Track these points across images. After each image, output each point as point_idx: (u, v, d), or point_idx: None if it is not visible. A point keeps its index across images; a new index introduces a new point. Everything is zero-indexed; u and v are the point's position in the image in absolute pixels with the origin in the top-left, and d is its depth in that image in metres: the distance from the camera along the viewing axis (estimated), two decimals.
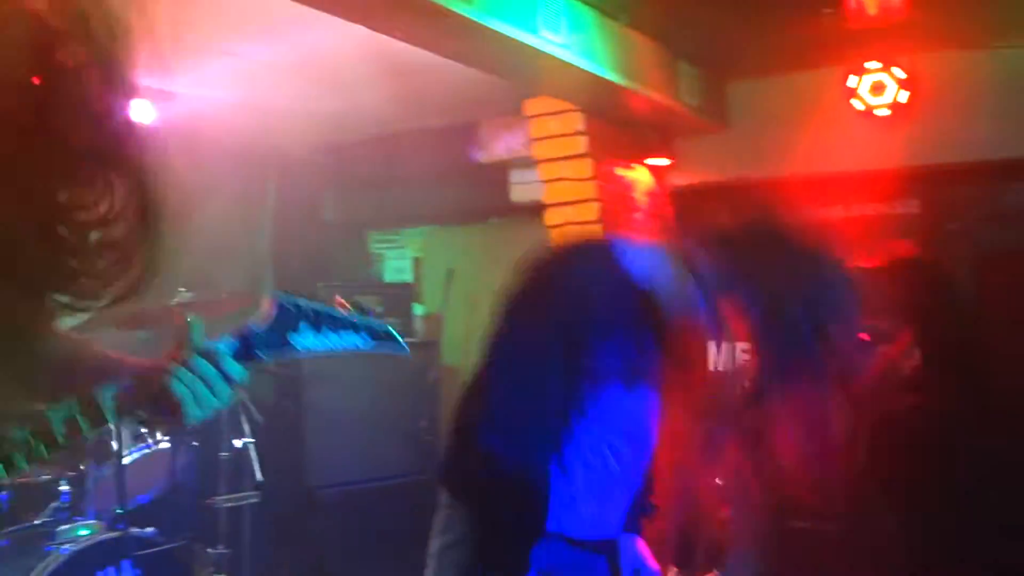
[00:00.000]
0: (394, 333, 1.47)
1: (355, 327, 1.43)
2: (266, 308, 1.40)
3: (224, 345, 1.40)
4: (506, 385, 1.94)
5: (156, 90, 4.71)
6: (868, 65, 4.41)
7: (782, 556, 3.15)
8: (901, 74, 4.36)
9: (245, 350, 1.39)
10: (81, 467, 3.89)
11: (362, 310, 1.44)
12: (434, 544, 2.14)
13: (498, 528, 1.95)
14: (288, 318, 1.39)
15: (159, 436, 4.06)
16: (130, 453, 3.98)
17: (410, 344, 5.51)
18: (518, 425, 1.91)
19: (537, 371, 1.91)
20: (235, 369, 1.40)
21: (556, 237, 4.77)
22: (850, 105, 4.48)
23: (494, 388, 1.96)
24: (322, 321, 1.40)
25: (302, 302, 1.40)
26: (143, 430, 3.99)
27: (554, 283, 1.95)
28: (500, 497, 1.93)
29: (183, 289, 4.20)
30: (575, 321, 1.88)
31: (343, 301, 1.44)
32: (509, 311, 2.00)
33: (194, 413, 1.37)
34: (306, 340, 1.39)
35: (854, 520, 3.24)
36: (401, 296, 5.79)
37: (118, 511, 3.68)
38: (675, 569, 5.12)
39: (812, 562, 3.38)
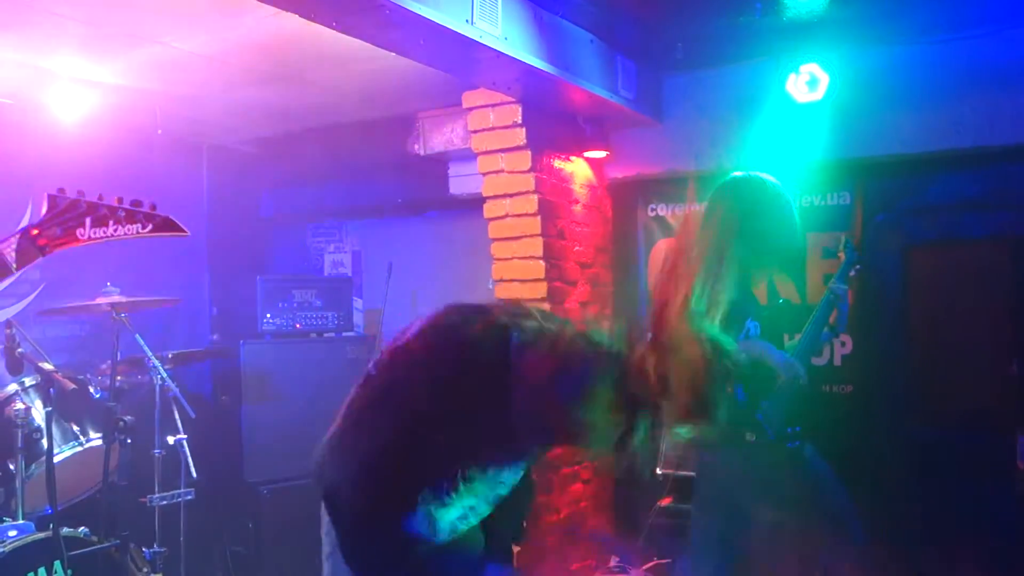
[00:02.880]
0: (172, 218, 1.58)
1: (134, 217, 1.60)
2: (42, 205, 1.49)
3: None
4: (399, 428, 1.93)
5: (78, 78, 4.62)
6: (800, 59, 4.49)
7: (739, 550, 3.19)
8: (832, 68, 4.45)
9: (28, 245, 1.47)
10: (10, 467, 3.81)
11: (140, 204, 1.59)
12: (326, 545, 2.12)
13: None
14: (70, 214, 1.53)
15: (91, 434, 3.98)
16: (61, 452, 3.90)
17: (350, 338, 5.53)
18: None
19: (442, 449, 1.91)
20: None
21: (495, 229, 4.78)
22: (782, 98, 4.56)
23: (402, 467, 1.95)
24: (103, 213, 1.55)
25: (81, 197, 1.55)
26: (74, 428, 3.91)
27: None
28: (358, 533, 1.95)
29: (110, 285, 4.13)
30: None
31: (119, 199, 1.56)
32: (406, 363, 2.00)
33: None
34: (91, 232, 1.53)
35: (812, 507, 3.29)
36: (341, 290, 5.75)
37: (48, 511, 3.60)
38: (615, 557, 5.20)
39: (771, 554, 3.44)
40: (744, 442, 3.13)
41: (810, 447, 3.37)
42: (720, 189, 3.22)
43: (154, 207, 1.53)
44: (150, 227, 1.52)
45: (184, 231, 1.54)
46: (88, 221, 1.47)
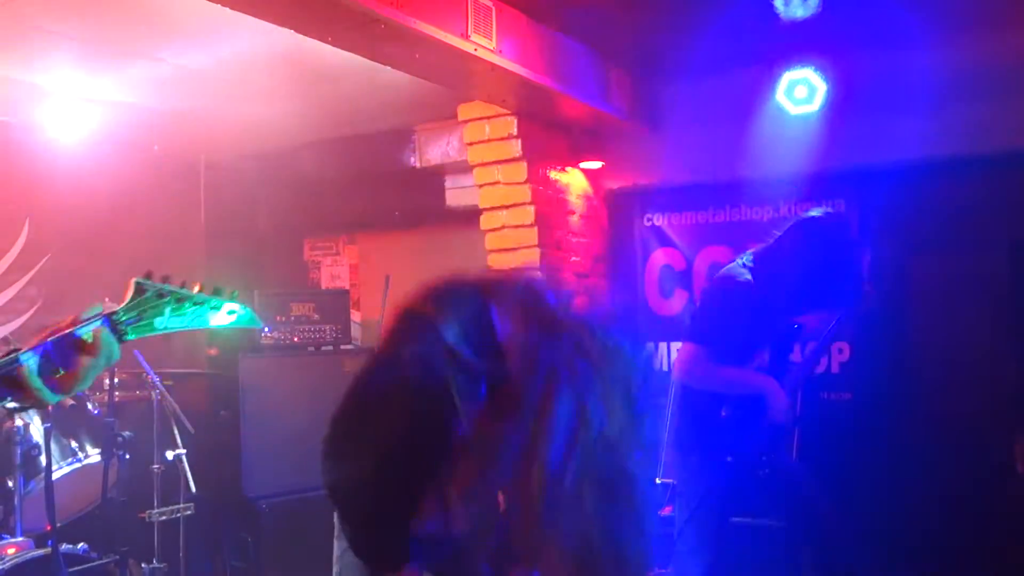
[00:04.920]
0: (251, 313, 1.56)
1: (215, 307, 1.52)
2: (127, 292, 1.45)
3: (88, 326, 1.41)
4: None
5: (75, 96, 4.63)
6: (793, 68, 4.51)
7: (727, 551, 3.21)
8: (826, 76, 4.47)
9: (110, 329, 1.43)
10: (9, 483, 3.80)
11: (218, 292, 1.52)
12: (337, 547, 2.14)
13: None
14: (152, 302, 1.46)
15: (89, 450, 3.98)
16: (59, 468, 3.90)
17: (348, 351, 5.49)
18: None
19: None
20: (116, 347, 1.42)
21: (492, 240, 4.79)
22: (776, 107, 4.58)
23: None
24: (184, 303, 1.49)
25: (166, 288, 1.48)
26: (73, 444, 3.91)
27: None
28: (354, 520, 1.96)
29: (108, 300, 4.13)
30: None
31: (201, 285, 1.51)
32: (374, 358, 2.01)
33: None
34: (168, 322, 1.48)
35: (792, 512, 3.32)
36: (338, 303, 5.75)
37: (48, 528, 3.59)
38: None
39: (757, 556, 3.46)
40: (723, 461, 3.17)
41: (790, 460, 3.40)
42: (800, 223, 3.24)
43: (233, 293, 1.54)
44: (229, 320, 1.53)
45: (262, 326, 1.58)
46: (167, 311, 1.47)
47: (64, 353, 1.37)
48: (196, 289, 1.50)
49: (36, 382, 1.35)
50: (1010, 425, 4.27)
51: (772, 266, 3.22)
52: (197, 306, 1.50)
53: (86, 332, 1.39)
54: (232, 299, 1.53)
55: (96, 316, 1.41)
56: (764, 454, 3.17)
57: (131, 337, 1.44)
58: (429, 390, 1.85)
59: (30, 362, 1.35)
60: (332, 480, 2.01)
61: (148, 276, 1.47)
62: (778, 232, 3.28)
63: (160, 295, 1.46)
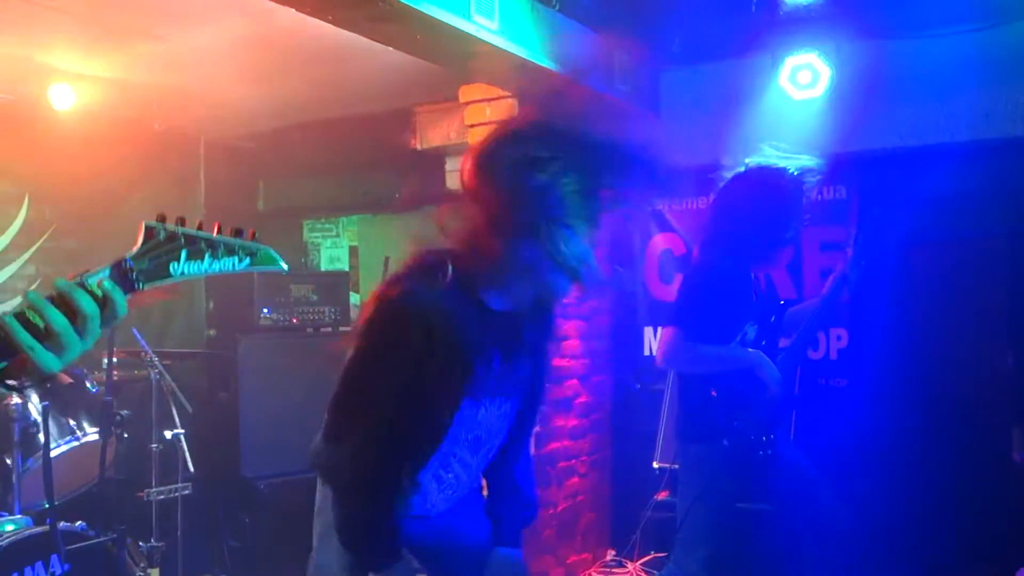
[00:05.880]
0: (271, 252, 1.45)
1: (232, 249, 1.42)
2: (139, 236, 1.36)
3: (95, 275, 1.32)
4: (369, 408, 1.95)
5: (77, 73, 4.61)
6: (797, 53, 4.49)
7: (728, 537, 3.20)
8: (830, 61, 4.45)
9: (121, 279, 1.33)
10: (7, 461, 3.81)
11: (240, 233, 1.43)
12: (316, 524, 2.15)
13: (345, 520, 1.98)
14: (165, 247, 1.37)
15: (87, 429, 3.98)
16: (57, 446, 3.90)
17: (347, 333, 5.49)
18: (380, 446, 1.94)
19: (401, 397, 1.92)
20: (118, 297, 1.33)
21: None
22: (779, 93, 4.56)
23: (359, 408, 1.98)
24: (201, 247, 1.39)
25: (179, 229, 1.38)
26: (71, 422, 3.91)
27: (406, 313, 1.94)
28: (362, 502, 1.95)
29: None
30: (429, 349, 1.88)
31: (219, 226, 1.42)
32: (368, 338, 2.00)
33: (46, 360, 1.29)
34: (185, 267, 1.38)
35: (794, 498, 3.31)
36: (337, 285, 5.75)
37: (46, 505, 3.60)
38: (611, 551, 5.20)
39: (758, 542, 3.46)
40: (721, 446, 3.14)
41: (790, 444, 3.39)
42: (729, 181, 3.24)
43: (254, 234, 1.45)
44: (248, 261, 1.43)
45: (283, 266, 1.48)
46: (183, 255, 1.38)
47: (65, 303, 1.29)
48: (215, 232, 1.40)
49: (26, 339, 1.27)
50: (1007, 413, 4.28)
51: (715, 227, 3.25)
52: (215, 248, 1.40)
53: (91, 282, 1.31)
54: (254, 240, 1.43)
55: (102, 267, 1.34)
56: (764, 434, 3.14)
57: (145, 286, 1.35)
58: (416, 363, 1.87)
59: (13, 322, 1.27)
60: (332, 461, 2.02)
61: (161, 219, 1.37)
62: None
63: (173, 237, 1.36)
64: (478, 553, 2.22)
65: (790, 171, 3.23)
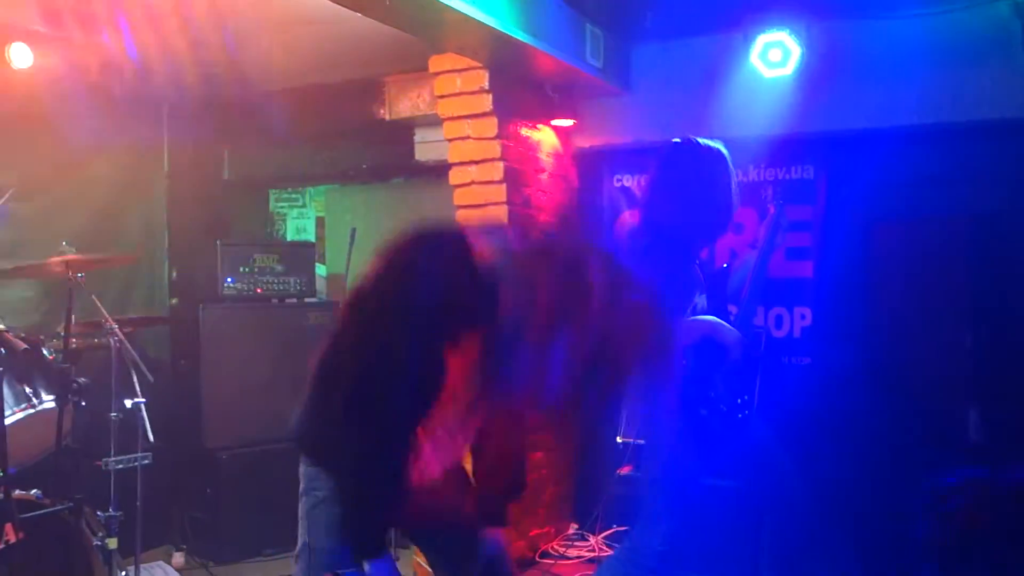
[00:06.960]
0: None
1: None
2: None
3: None
4: (372, 364, 1.93)
5: (37, 33, 4.50)
6: (768, 31, 4.48)
7: (691, 515, 3.23)
8: (800, 40, 4.44)
9: None
10: None
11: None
12: (302, 504, 2.13)
13: (355, 498, 1.96)
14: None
15: (44, 396, 3.91)
16: (12, 413, 3.83)
17: (312, 304, 5.49)
18: (383, 404, 1.91)
19: (403, 352, 1.90)
20: None
21: (460, 196, 4.75)
22: (750, 70, 4.55)
23: (359, 365, 1.96)
24: None
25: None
26: (27, 390, 3.84)
27: (415, 269, 1.95)
28: (360, 471, 1.93)
29: (65, 244, 4.05)
30: (435, 305, 1.89)
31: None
32: (373, 291, 2.00)
33: None
34: None
35: (757, 474, 3.34)
36: (303, 256, 5.70)
37: (0, 473, 3.54)
38: (574, 525, 5.23)
39: (719, 518, 3.48)
40: (698, 415, 3.16)
41: (758, 416, 3.41)
42: (662, 156, 3.24)
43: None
44: None
45: None
46: None
47: None
48: None
49: None
50: (965, 394, 4.34)
51: (653, 204, 3.26)
52: None
53: None
54: None
55: None
56: (738, 396, 3.17)
57: None
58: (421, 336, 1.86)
59: None
60: (329, 441, 1.99)
61: None
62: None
63: None
64: (468, 530, 2.23)
65: (717, 146, 3.25)
